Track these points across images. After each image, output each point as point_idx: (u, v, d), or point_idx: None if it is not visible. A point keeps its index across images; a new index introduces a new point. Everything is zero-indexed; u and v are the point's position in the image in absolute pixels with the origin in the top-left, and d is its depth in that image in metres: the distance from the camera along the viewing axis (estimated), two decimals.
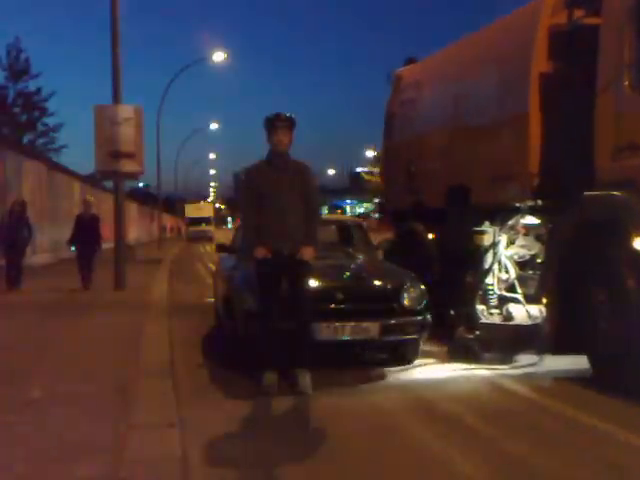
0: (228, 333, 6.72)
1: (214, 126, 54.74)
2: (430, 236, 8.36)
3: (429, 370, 6.32)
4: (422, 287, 6.43)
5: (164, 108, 35.02)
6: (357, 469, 3.96)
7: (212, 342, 7.79)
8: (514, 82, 6.85)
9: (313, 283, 6.07)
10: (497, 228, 6.88)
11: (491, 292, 6.86)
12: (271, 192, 5.72)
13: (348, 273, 6.86)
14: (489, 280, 6.84)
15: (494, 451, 4.19)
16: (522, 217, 6.84)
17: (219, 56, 32.20)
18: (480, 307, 6.79)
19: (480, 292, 6.82)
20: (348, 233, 8.46)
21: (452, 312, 7.07)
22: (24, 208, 13.06)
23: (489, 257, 6.86)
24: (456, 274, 7.23)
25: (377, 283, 6.61)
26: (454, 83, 8.16)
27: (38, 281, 14.37)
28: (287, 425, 4.91)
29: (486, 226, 6.98)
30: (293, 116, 5.91)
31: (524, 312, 6.63)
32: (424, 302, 6.36)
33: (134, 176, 14.24)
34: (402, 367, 6.35)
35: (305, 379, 5.52)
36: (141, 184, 76.22)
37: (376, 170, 75.49)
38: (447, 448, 4.26)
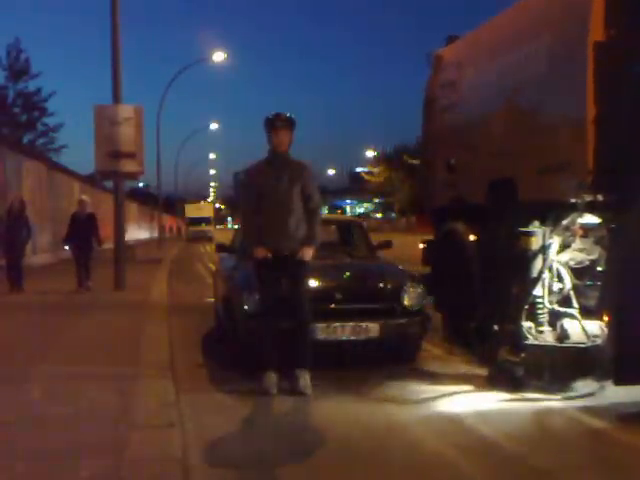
0: (228, 333, 6.72)
1: (214, 126, 54.81)
2: (471, 237, 7.14)
3: (465, 398, 5.42)
4: (422, 287, 6.43)
5: (164, 108, 35.07)
6: (357, 469, 3.96)
7: (212, 342, 7.79)
8: (568, 56, 5.81)
9: (313, 283, 6.07)
10: (548, 229, 5.83)
11: (540, 306, 5.70)
12: (271, 192, 5.72)
13: (348, 273, 6.86)
14: (538, 291, 5.71)
15: None
16: (579, 216, 5.77)
17: (219, 56, 32.27)
18: (527, 324, 5.65)
19: (527, 306, 5.68)
20: (348, 233, 8.46)
21: (496, 328, 6.05)
22: (23, 207, 12.93)
23: (538, 263, 5.73)
24: (500, 283, 6.17)
25: (377, 283, 6.61)
26: (498, 61, 7.04)
27: (38, 281, 14.36)
28: (287, 425, 4.92)
29: (535, 226, 5.90)
30: (293, 116, 5.91)
31: (581, 330, 5.53)
32: (424, 302, 6.36)
33: (134, 176, 14.23)
34: (433, 394, 5.51)
35: (305, 379, 5.52)
36: (141, 184, 76.29)
37: (376, 170, 75.80)
38: (451, 451, 4.25)
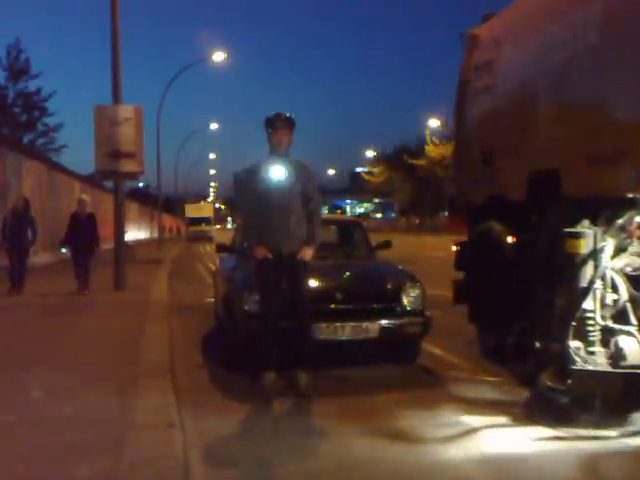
0: (228, 333, 6.72)
1: (214, 126, 54.83)
2: (509, 239, 6.25)
3: (497, 433, 4.48)
4: (422, 287, 6.43)
5: (164, 108, 35.06)
6: (357, 470, 3.96)
7: (212, 342, 7.79)
8: (624, 22, 4.91)
9: (313, 283, 6.07)
10: (600, 229, 4.90)
11: (591, 322, 4.76)
12: (271, 192, 5.72)
13: (348, 273, 6.85)
14: (588, 304, 4.76)
15: None
16: (637, 213, 4.92)
17: (219, 56, 32.28)
18: (575, 343, 4.70)
19: (574, 321, 4.74)
20: (348, 233, 8.46)
21: (537, 346, 5.06)
22: (28, 207, 12.64)
23: (587, 270, 4.77)
24: (543, 293, 5.24)
25: (377, 283, 6.61)
26: (541, 35, 6.11)
27: (38, 282, 14.33)
28: (287, 425, 4.91)
29: (585, 226, 4.94)
30: (293, 116, 5.91)
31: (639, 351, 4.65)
32: (424, 302, 6.36)
33: (134, 176, 14.20)
34: (457, 428, 4.56)
35: (305, 379, 5.53)
36: (141, 184, 76.52)
37: (376, 170, 75.86)
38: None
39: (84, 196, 14.30)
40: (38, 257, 19.01)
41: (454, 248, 7.55)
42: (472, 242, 7.20)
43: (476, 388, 5.66)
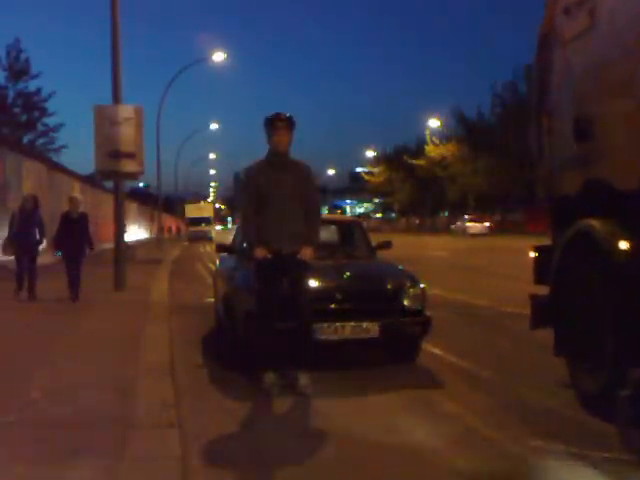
0: (228, 333, 6.73)
1: (214, 126, 55.03)
2: (622, 245, 4.54)
3: None
4: (422, 287, 6.43)
5: (164, 108, 35.11)
6: (357, 469, 3.96)
7: (212, 342, 7.80)
8: None
9: (313, 283, 6.08)
10: None
11: None
12: (271, 192, 5.73)
13: (348, 273, 6.86)
14: None
15: None
16: None
17: (219, 56, 32.39)
18: None
19: None
20: (348, 233, 8.46)
21: None
22: (37, 206, 12.07)
23: None
24: None
25: (377, 283, 6.61)
26: None
27: (38, 282, 14.29)
28: (287, 426, 4.91)
29: None
30: (292, 116, 5.91)
31: None
32: (424, 302, 6.36)
33: (134, 176, 14.20)
34: None
35: (305, 379, 5.53)
36: (141, 184, 76.76)
37: (376, 170, 75.99)
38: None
39: (76, 194, 13.60)
40: (38, 257, 19.00)
41: (532, 254, 5.92)
42: (561, 247, 5.35)
43: (566, 469, 3.62)
